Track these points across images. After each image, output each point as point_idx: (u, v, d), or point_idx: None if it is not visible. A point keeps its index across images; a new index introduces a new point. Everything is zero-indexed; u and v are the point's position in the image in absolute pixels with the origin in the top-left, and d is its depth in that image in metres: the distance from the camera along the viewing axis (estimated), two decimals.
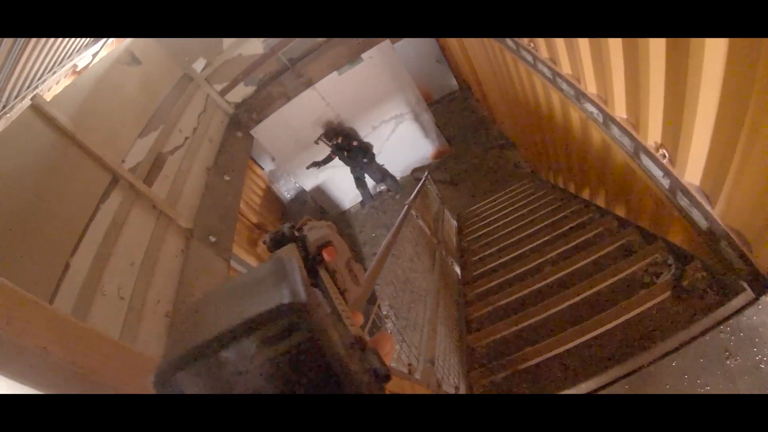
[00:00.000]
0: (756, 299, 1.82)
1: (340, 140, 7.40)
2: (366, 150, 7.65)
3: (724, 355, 1.76)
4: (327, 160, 7.63)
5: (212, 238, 4.22)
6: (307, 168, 7.76)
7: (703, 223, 2.03)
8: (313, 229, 0.58)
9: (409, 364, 2.14)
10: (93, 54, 4.43)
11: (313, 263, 0.53)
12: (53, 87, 3.64)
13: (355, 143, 7.50)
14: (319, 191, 8.57)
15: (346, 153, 7.51)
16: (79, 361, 0.82)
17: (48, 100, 3.32)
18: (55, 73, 3.57)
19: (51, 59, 3.42)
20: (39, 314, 0.87)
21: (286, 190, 9.73)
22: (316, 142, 7.47)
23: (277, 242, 0.57)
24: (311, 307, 0.27)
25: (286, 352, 0.26)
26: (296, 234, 0.57)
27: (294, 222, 0.60)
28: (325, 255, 0.53)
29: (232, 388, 0.26)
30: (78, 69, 4.37)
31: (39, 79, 3.48)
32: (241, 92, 6.64)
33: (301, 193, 9.44)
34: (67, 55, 3.57)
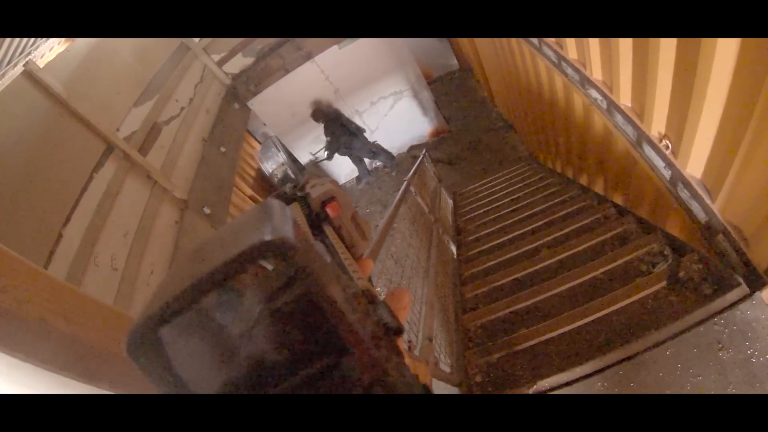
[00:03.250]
0: (750, 294, 1.84)
1: (326, 121, 7.41)
2: (353, 133, 7.62)
3: (717, 347, 1.79)
4: (331, 144, 7.67)
5: (207, 210, 4.20)
6: (318, 162, 7.91)
7: (701, 216, 2.04)
8: (315, 186, 0.56)
9: (409, 341, 2.15)
10: None
11: (317, 220, 0.52)
12: (46, 54, 3.54)
13: (341, 124, 7.47)
14: (314, 166, 8.53)
15: (334, 134, 7.50)
16: (77, 333, 0.82)
17: (41, 66, 3.24)
18: (48, 38, 3.47)
19: None
20: (36, 282, 0.86)
21: (271, 165, 9.26)
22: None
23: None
24: (299, 249, 0.24)
25: (284, 304, 0.24)
26: (298, 193, 0.56)
27: (296, 182, 0.59)
28: (329, 210, 0.52)
29: (225, 345, 0.24)
30: None
31: (32, 45, 3.39)
32: (239, 63, 6.53)
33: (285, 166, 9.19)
34: None
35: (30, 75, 3.08)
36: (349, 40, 6.77)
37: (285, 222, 0.26)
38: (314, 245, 0.27)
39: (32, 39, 3.24)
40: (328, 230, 0.51)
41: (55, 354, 0.76)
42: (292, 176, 9.11)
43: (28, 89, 3.09)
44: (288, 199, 0.55)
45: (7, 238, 2.46)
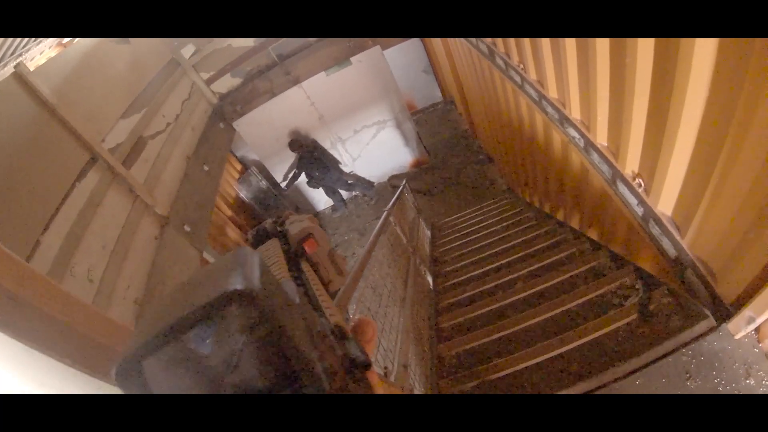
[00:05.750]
0: (717, 326, 1.93)
1: (302, 152, 7.46)
2: (329, 165, 7.68)
3: (684, 376, 1.86)
4: (294, 178, 7.73)
5: (187, 228, 4.17)
6: (285, 187, 7.90)
7: (671, 252, 2.13)
8: (294, 222, 0.59)
9: (385, 367, 2.18)
10: None
11: (295, 256, 0.54)
12: (37, 57, 3.54)
13: (316, 156, 7.52)
14: (296, 191, 8.54)
15: (309, 166, 7.57)
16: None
17: (31, 69, 3.23)
18: (40, 42, 3.47)
19: None
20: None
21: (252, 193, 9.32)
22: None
23: (260, 238, 0.58)
24: (265, 295, 0.27)
25: (253, 343, 0.27)
26: (278, 229, 0.58)
27: (276, 217, 0.61)
28: (306, 248, 0.55)
29: (201, 378, 0.27)
30: (65, 41, 4.27)
31: (24, 47, 3.39)
32: (227, 83, 6.61)
33: (266, 191, 9.24)
34: None
35: (20, 77, 3.08)
36: (336, 67, 6.90)
37: (254, 271, 0.29)
38: (282, 287, 0.31)
39: (24, 41, 3.24)
40: (305, 266, 0.52)
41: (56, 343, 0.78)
42: (272, 202, 9.14)
43: (17, 92, 3.09)
44: (268, 235, 0.58)
45: None
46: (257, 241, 0.58)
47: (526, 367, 2.51)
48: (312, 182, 7.85)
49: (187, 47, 6.01)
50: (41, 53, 3.55)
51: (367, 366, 0.35)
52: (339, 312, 0.45)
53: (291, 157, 7.81)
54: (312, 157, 7.50)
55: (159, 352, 0.27)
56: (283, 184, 7.92)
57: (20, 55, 3.28)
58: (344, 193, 8.51)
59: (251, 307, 0.27)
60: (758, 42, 1.21)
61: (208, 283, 0.29)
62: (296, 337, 0.28)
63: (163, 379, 0.27)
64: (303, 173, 7.70)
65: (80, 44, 4.04)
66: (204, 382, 0.28)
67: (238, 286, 0.27)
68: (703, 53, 1.42)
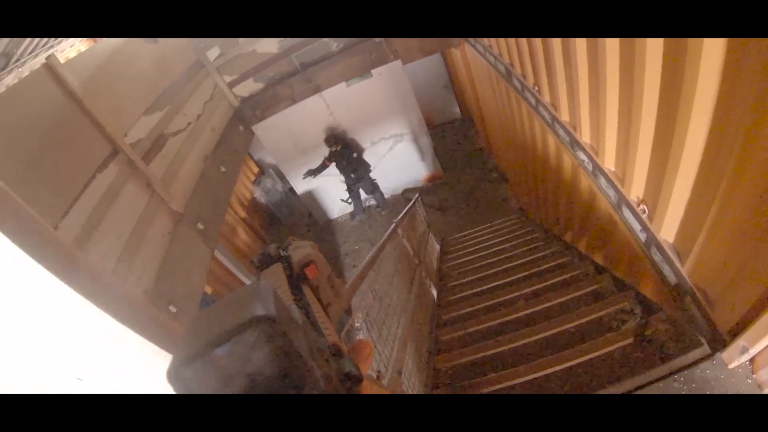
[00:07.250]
0: (711, 355, 1.93)
1: (339, 148, 7.50)
2: (362, 165, 7.78)
3: None
4: (321, 167, 7.72)
5: (200, 226, 4.25)
6: (304, 177, 7.88)
7: (672, 279, 2.15)
8: (297, 249, 0.64)
9: (378, 371, 2.22)
10: None
11: (297, 280, 0.60)
12: (67, 50, 3.69)
13: (354, 155, 7.60)
14: (310, 197, 8.64)
15: (343, 162, 7.62)
16: None
17: (62, 62, 3.37)
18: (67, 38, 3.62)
19: None
20: None
21: (268, 195, 9.50)
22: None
23: (265, 263, 0.64)
24: (279, 319, 0.35)
25: (265, 356, 0.34)
26: (282, 254, 0.64)
27: (280, 243, 0.67)
28: (308, 273, 0.61)
29: (227, 382, 0.34)
30: None
31: (55, 39, 3.53)
32: (249, 87, 6.73)
33: (284, 196, 9.48)
34: None
35: (50, 68, 3.20)
36: (357, 78, 7.00)
37: (270, 300, 0.37)
38: (289, 311, 0.40)
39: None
40: (306, 290, 0.59)
41: None
42: (286, 205, 9.23)
43: (47, 82, 3.21)
44: (272, 260, 0.64)
45: None
46: (262, 265, 0.64)
47: (519, 384, 2.53)
48: (348, 179, 7.94)
49: (213, 50, 6.16)
50: (71, 46, 3.69)
51: (359, 379, 0.41)
52: (335, 332, 0.51)
53: (307, 164, 7.88)
54: (348, 156, 7.57)
55: (202, 359, 0.34)
56: (304, 176, 7.94)
57: (52, 47, 3.42)
58: (363, 198, 8.58)
59: (270, 327, 0.34)
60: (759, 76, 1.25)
61: (236, 309, 0.37)
62: (301, 349, 0.36)
63: (200, 383, 0.35)
64: (332, 167, 7.76)
65: (109, 41, 4.17)
66: (229, 378, 0.35)
67: (261, 312, 0.35)
68: (706, 84, 1.46)
